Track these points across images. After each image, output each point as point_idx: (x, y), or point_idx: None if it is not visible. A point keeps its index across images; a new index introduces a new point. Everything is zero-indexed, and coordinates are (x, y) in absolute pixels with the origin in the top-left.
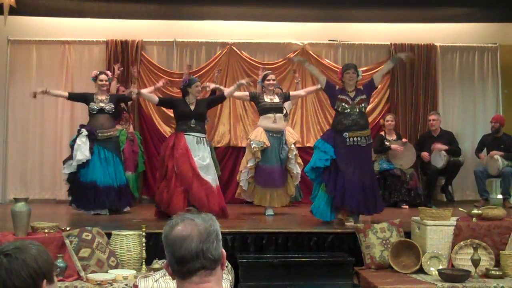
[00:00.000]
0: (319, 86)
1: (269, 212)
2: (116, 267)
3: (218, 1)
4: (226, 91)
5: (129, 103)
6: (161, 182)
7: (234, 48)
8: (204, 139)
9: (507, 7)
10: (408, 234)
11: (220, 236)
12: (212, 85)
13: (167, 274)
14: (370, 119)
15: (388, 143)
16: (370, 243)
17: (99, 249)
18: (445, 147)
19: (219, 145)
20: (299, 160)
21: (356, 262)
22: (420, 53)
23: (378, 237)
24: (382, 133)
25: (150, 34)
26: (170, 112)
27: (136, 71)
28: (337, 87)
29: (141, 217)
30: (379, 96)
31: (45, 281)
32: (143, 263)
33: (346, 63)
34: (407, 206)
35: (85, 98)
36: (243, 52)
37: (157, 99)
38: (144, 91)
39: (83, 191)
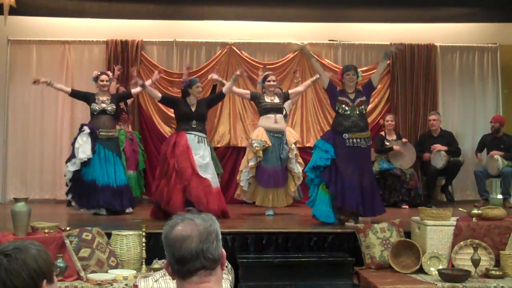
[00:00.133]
0: (315, 77)
1: (269, 212)
2: (116, 267)
3: (218, 1)
4: (224, 88)
5: (129, 103)
6: (161, 179)
7: (234, 48)
8: (205, 139)
9: (507, 7)
10: (408, 234)
11: (220, 236)
12: (215, 76)
13: (167, 274)
14: (370, 119)
15: (388, 143)
16: (370, 243)
17: (99, 249)
18: (445, 147)
19: (219, 145)
20: (300, 160)
21: (356, 262)
22: (420, 53)
23: (378, 237)
24: (382, 133)
25: (150, 34)
26: (170, 112)
27: (136, 71)
28: (338, 88)
29: (141, 217)
30: (379, 96)
31: (45, 281)
32: (143, 263)
33: (346, 64)
34: (407, 206)
35: (87, 98)
36: (243, 52)
37: (160, 95)
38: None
39: (85, 189)
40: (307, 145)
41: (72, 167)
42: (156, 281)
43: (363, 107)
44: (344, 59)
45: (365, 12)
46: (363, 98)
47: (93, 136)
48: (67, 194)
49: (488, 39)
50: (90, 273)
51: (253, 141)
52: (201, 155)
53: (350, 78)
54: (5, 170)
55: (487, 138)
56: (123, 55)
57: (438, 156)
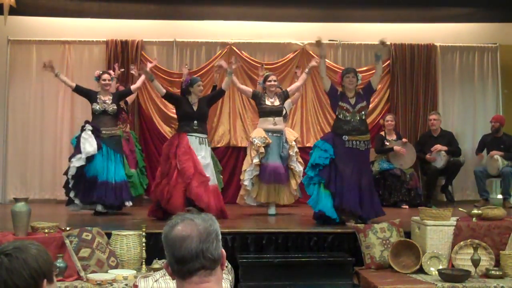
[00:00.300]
0: (310, 65)
1: (272, 211)
2: (116, 267)
3: (218, 1)
4: (224, 84)
5: (129, 103)
6: (162, 179)
7: (234, 48)
8: (206, 139)
9: (507, 7)
10: (408, 234)
11: (220, 236)
12: (222, 62)
13: (167, 274)
14: (370, 119)
15: (388, 143)
16: (370, 243)
17: (99, 249)
18: (445, 147)
19: (219, 145)
20: (300, 159)
21: (356, 262)
22: (420, 53)
23: (378, 237)
24: (382, 133)
25: (150, 34)
26: (170, 112)
27: (136, 70)
28: (338, 91)
29: (141, 217)
30: (379, 96)
31: (45, 280)
32: (143, 263)
33: (346, 66)
34: (407, 206)
35: (90, 96)
36: (243, 52)
37: (164, 91)
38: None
39: (89, 185)
40: (307, 145)
41: (77, 163)
42: (156, 281)
43: (363, 113)
44: (344, 59)
45: (365, 12)
46: (363, 104)
47: (96, 134)
48: (68, 192)
49: (488, 39)
50: (90, 273)
51: (254, 139)
52: (203, 156)
53: (350, 81)
54: (5, 170)
55: (487, 138)
56: (123, 55)
57: (438, 156)
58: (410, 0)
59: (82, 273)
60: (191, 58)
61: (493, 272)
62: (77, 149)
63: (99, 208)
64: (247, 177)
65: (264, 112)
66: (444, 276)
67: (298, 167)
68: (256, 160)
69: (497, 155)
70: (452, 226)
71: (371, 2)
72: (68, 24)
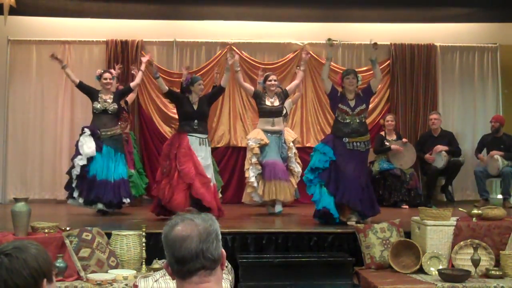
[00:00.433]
0: (303, 58)
1: (279, 208)
2: (116, 267)
3: (218, 1)
4: (222, 81)
5: (129, 103)
6: (162, 178)
7: (234, 48)
8: (206, 140)
9: (507, 7)
10: (408, 234)
11: (220, 236)
12: (236, 56)
13: (167, 274)
14: (370, 119)
15: (388, 143)
16: (370, 243)
17: (99, 249)
18: (446, 148)
19: (219, 145)
20: (298, 160)
21: (356, 262)
22: (420, 53)
23: (378, 237)
24: (382, 133)
25: (150, 34)
26: (170, 112)
27: (136, 70)
28: (339, 93)
29: (141, 217)
30: (379, 96)
31: (45, 280)
32: (143, 263)
33: (346, 67)
34: (407, 206)
35: (91, 94)
36: (243, 52)
37: (167, 88)
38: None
39: (90, 184)
40: (307, 145)
41: (81, 162)
42: (156, 281)
43: (363, 115)
44: (344, 59)
45: (365, 12)
46: (363, 107)
47: (95, 136)
48: (72, 192)
49: (488, 39)
50: (90, 273)
51: (248, 140)
52: (203, 157)
53: (350, 82)
54: (5, 170)
55: (487, 138)
56: (123, 55)
57: (439, 156)
58: (410, 0)
59: (82, 273)
60: (191, 58)
61: (493, 272)
62: (77, 151)
63: (100, 206)
64: (252, 174)
65: (264, 112)
66: (444, 276)
67: (297, 168)
68: (254, 160)
69: (497, 155)
70: (452, 226)
71: (371, 2)
72: (68, 24)
